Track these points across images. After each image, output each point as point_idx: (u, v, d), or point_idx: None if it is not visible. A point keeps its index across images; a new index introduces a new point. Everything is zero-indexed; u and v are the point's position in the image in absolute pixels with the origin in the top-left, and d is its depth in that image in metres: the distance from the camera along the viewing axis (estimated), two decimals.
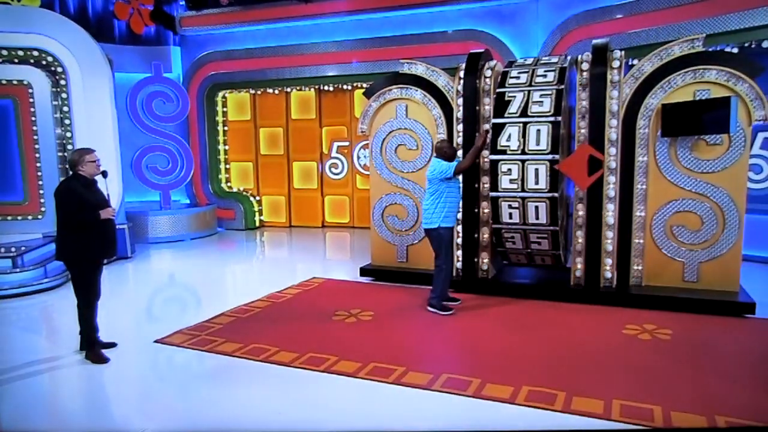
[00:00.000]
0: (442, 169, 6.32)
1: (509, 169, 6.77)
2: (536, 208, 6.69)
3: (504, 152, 6.78)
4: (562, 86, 6.69)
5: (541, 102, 6.71)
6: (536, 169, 6.65)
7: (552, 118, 6.61)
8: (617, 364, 4.93)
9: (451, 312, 6.39)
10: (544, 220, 6.71)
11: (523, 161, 6.70)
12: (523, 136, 6.69)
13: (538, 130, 6.66)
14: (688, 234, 6.51)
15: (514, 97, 6.84)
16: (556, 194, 6.59)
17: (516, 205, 6.78)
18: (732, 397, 4.26)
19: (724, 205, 6.31)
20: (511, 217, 6.86)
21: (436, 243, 6.47)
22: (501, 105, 6.88)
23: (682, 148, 6.41)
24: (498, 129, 6.82)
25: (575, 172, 6.56)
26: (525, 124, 6.72)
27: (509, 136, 6.77)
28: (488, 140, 6.80)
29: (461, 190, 6.72)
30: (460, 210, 7.06)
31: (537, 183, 6.66)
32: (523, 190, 6.71)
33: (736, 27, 7.90)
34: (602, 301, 6.62)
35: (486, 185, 7.06)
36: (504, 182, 6.79)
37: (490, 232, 7.18)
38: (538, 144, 6.64)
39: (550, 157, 6.59)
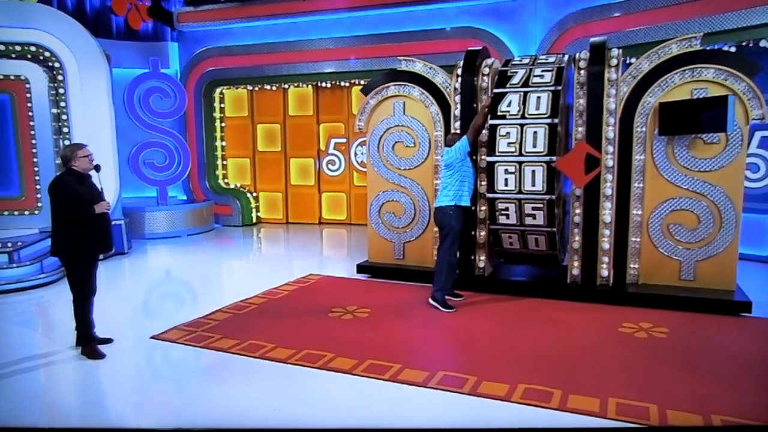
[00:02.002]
0: (458, 146, 6.38)
1: (509, 137, 6.75)
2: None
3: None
4: (560, 87, 6.67)
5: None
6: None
7: (549, 120, 6.61)
8: (613, 363, 4.94)
9: (453, 309, 6.37)
10: (541, 188, 6.66)
11: (520, 163, 6.68)
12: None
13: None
14: (684, 232, 6.52)
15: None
16: (553, 196, 6.61)
17: (512, 169, 6.75)
18: (728, 396, 4.26)
19: (720, 204, 6.32)
20: (506, 184, 6.80)
21: (446, 229, 6.41)
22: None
23: (679, 146, 6.42)
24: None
25: (572, 170, 6.57)
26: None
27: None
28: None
29: (475, 172, 6.69)
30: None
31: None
32: (520, 158, 6.69)
33: (733, 26, 7.91)
34: (599, 299, 6.63)
35: (483, 183, 7.07)
36: (500, 176, 6.79)
37: (487, 232, 7.19)
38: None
39: (547, 158, 6.57)
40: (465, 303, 6.69)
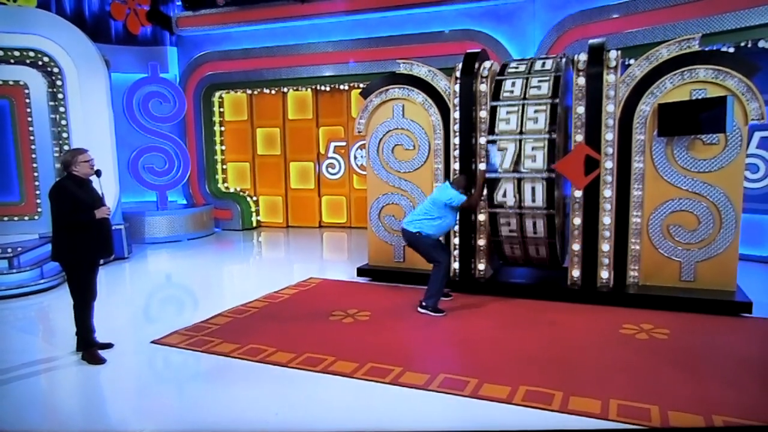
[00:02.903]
0: (451, 196, 6.38)
1: (506, 194, 6.83)
2: (534, 221, 6.80)
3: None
4: (555, 135, 6.64)
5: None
6: (534, 222, 6.78)
7: (548, 135, 6.63)
8: (614, 364, 4.93)
9: (443, 313, 6.36)
10: (542, 233, 6.80)
11: (520, 215, 6.81)
12: (519, 188, 6.75)
13: (533, 188, 6.69)
14: (684, 233, 6.52)
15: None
16: (552, 211, 6.66)
17: (514, 221, 6.83)
18: (729, 397, 4.26)
19: (720, 205, 6.32)
20: (510, 230, 6.97)
21: (421, 247, 6.47)
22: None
23: (678, 147, 6.42)
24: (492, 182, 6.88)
25: (572, 172, 6.57)
26: (520, 180, 6.74)
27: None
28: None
29: (453, 223, 6.71)
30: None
31: (536, 233, 6.80)
32: (520, 210, 6.72)
33: (732, 27, 7.91)
34: (599, 301, 6.62)
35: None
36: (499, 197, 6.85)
37: (487, 235, 7.19)
38: (534, 201, 6.69)
39: (545, 175, 6.61)
40: (466, 305, 6.69)
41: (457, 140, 7.21)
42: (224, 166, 13.50)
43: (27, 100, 9.14)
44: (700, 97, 6.21)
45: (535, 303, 6.74)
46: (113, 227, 5.61)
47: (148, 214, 11.40)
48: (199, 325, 6.13)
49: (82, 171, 5.14)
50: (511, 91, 6.96)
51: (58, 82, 9.15)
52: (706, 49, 6.75)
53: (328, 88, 12.50)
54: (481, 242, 7.28)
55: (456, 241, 7.36)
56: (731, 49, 7.99)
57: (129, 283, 8.83)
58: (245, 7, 12.28)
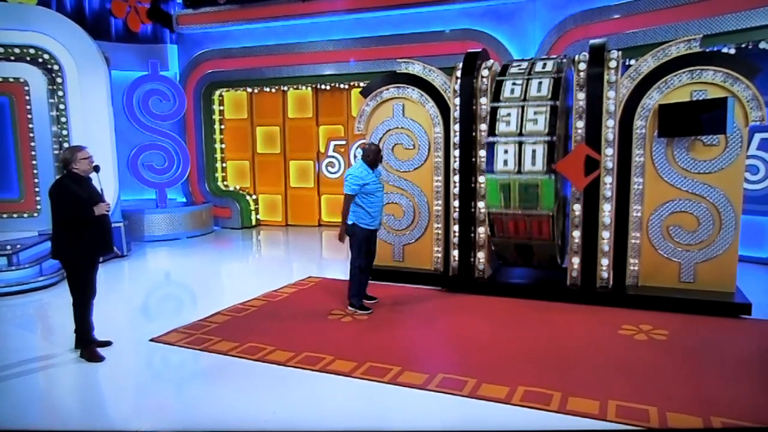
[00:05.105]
0: (356, 179, 6.24)
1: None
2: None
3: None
4: (557, 102, 6.65)
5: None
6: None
7: (548, 138, 6.60)
8: (613, 365, 4.93)
9: (370, 311, 6.43)
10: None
11: (519, 143, 6.71)
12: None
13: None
14: (684, 234, 6.51)
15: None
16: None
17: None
18: (728, 398, 4.26)
19: (720, 206, 6.32)
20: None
21: (352, 238, 6.48)
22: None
23: (678, 148, 6.42)
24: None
25: (572, 172, 6.57)
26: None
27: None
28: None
29: (383, 196, 6.57)
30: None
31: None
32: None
33: (733, 28, 7.91)
34: (598, 302, 6.62)
35: (482, 184, 7.08)
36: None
37: (486, 232, 7.19)
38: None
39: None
40: (465, 305, 6.70)
41: (457, 139, 7.20)
42: (224, 164, 13.49)
43: (27, 98, 9.12)
44: (700, 98, 6.21)
45: (534, 303, 6.73)
46: (112, 225, 5.61)
47: (147, 212, 11.38)
48: (197, 324, 6.12)
49: (82, 168, 5.13)
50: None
51: (58, 80, 9.14)
52: (707, 50, 6.75)
53: (328, 87, 12.48)
54: (481, 242, 7.27)
55: (455, 240, 7.36)
56: (732, 50, 7.99)
57: (128, 281, 8.82)
58: (246, 5, 12.28)
